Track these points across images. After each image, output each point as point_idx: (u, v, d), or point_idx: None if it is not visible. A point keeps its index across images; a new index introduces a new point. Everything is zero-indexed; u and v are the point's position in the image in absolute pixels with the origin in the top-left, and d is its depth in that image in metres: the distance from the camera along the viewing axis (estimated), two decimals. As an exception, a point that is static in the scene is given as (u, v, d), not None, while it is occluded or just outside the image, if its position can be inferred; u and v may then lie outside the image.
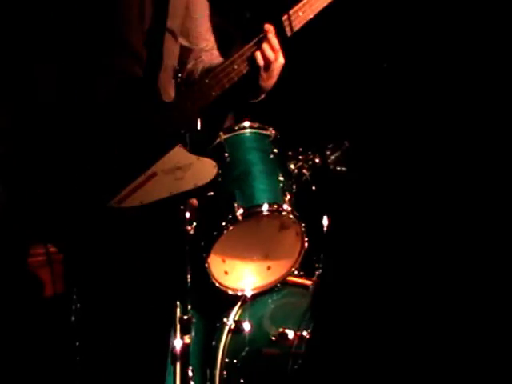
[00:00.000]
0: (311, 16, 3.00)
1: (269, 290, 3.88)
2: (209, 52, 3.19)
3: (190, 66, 3.15)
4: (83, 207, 2.77)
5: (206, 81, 2.93)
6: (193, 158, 2.91)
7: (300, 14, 2.96)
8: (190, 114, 2.93)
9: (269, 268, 3.89)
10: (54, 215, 2.78)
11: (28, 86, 2.81)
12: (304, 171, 3.87)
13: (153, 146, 2.86)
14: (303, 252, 3.76)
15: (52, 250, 3.60)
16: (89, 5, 2.77)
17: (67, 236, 2.81)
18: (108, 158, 2.80)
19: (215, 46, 3.25)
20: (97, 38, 2.80)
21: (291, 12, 2.95)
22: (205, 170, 2.89)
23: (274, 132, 3.82)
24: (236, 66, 2.90)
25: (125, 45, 2.84)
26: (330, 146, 4.19)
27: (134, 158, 2.84)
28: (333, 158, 4.15)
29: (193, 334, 3.14)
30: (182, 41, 3.08)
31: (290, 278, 3.90)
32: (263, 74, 2.90)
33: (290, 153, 4.08)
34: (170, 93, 3.00)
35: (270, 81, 2.97)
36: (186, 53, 3.11)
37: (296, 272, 3.96)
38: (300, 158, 4.02)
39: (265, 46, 2.87)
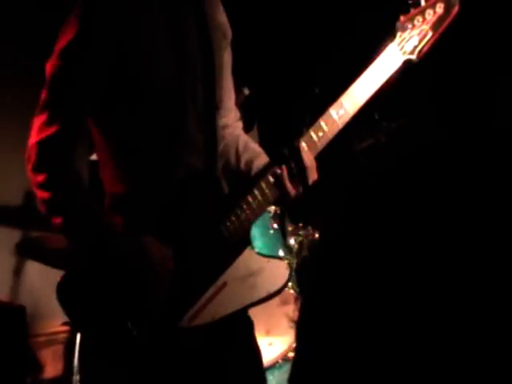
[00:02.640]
0: (331, 137, 2.79)
1: (270, 366, 3.84)
2: (231, 126, 2.95)
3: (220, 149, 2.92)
4: (157, 322, 2.62)
5: (244, 209, 2.76)
6: (263, 260, 2.79)
7: (320, 134, 2.77)
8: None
9: (270, 344, 3.96)
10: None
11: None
12: (304, 246, 3.93)
13: (222, 251, 2.71)
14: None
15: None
16: (153, 100, 2.64)
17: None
18: (178, 273, 2.66)
19: (238, 115, 3.04)
20: (156, 132, 2.69)
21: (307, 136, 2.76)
22: (277, 273, 2.78)
23: (273, 208, 3.76)
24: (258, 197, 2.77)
25: (184, 136, 2.73)
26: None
27: (201, 267, 2.69)
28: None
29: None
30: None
31: (291, 354, 3.88)
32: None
33: (290, 228, 4.08)
34: (223, 182, 2.86)
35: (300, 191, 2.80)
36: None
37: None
38: (300, 233, 4.00)
39: (287, 181, 2.72)
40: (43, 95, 2.56)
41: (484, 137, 4.32)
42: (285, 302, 3.83)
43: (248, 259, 2.75)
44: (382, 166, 3.59)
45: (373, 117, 3.10)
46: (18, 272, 4.26)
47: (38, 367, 4.06)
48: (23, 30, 4.67)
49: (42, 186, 2.55)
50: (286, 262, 2.85)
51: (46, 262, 3.53)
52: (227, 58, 2.88)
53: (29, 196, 3.98)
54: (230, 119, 2.93)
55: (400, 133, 3.36)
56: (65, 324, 3.40)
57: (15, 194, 4.11)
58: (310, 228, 4.09)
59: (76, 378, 3.70)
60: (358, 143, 3.79)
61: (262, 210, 2.77)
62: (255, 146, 2.96)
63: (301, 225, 4.12)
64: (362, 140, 3.82)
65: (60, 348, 3.98)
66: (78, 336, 3.59)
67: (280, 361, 3.90)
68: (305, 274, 3.90)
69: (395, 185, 3.56)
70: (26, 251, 4.04)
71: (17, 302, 4.02)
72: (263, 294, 2.74)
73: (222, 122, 2.83)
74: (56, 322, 3.05)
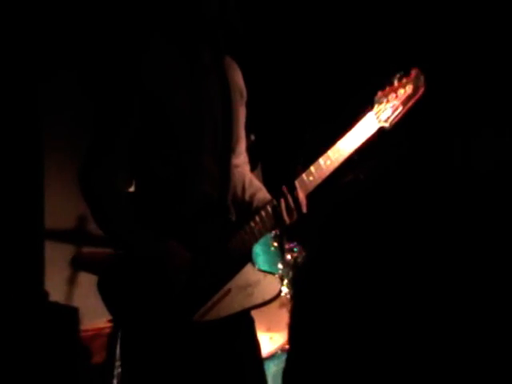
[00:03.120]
0: (320, 181, 2.85)
1: (271, 356, 3.92)
2: (241, 166, 2.98)
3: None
4: (175, 317, 2.69)
5: (247, 232, 2.81)
6: (260, 274, 2.84)
7: (310, 178, 2.83)
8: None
9: (271, 338, 3.97)
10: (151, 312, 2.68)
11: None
12: (298, 261, 3.99)
13: (227, 264, 2.78)
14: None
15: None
16: (179, 139, 2.73)
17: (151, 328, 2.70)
18: (193, 278, 2.73)
19: (246, 158, 3.06)
20: (184, 167, 2.74)
21: (304, 176, 2.82)
22: (271, 285, 2.83)
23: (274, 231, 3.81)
24: (259, 224, 2.81)
25: (204, 171, 2.76)
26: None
27: (211, 276, 2.76)
28: None
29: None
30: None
31: (288, 346, 3.88)
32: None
33: (286, 246, 4.09)
34: (233, 214, 2.89)
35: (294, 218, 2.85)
36: None
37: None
38: (295, 250, 4.08)
39: (284, 212, 2.79)
40: (93, 134, 2.70)
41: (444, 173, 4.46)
42: (283, 305, 3.89)
43: (248, 273, 2.80)
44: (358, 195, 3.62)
45: (353, 157, 3.18)
46: (72, 281, 4.26)
47: (88, 355, 4.10)
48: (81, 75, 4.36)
49: (91, 209, 2.70)
50: (277, 277, 2.92)
51: (93, 271, 3.51)
52: (242, 113, 2.91)
53: (80, 220, 3.99)
54: (241, 161, 2.95)
55: (376, 170, 3.45)
56: (108, 321, 3.46)
57: (69, 219, 4.03)
58: (302, 246, 4.10)
59: (118, 363, 3.67)
60: (340, 179, 3.83)
61: (260, 234, 2.83)
62: (258, 183, 3.00)
63: (295, 243, 4.11)
64: (343, 176, 3.89)
65: (104, 340, 4.01)
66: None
67: (279, 352, 3.94)
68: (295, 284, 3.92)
69: (368, 209, 3.61)
70: (78, 264, 4.13)
71: (71, 305, 3.93)
72: (259, 301, 2.79)
73: (234, 162, 2.86)
74: (101, 319, 3.13)
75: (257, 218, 2.80)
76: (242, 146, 2.95)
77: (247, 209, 2.93)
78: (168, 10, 2.80)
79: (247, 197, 2.94)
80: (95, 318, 3.05)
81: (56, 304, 3.22)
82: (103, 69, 2.84)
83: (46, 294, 3.02)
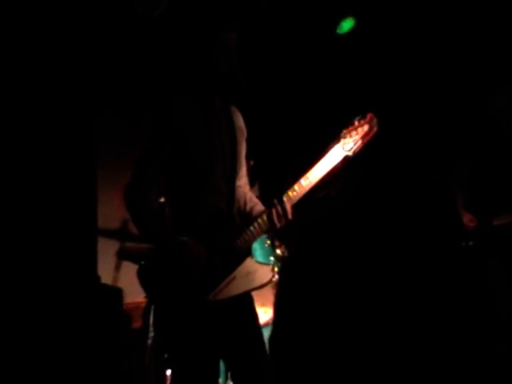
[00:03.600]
0: (301, 196, 2.88)
1: (265, 325, 3.83)
2: (243, 187, 3.01)
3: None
4: (194, 296, 2.75)
5: (248, 234, 2.86)
6: (257, 265, 2.89)
7: (294, 193, 2.86)
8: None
9: (265, 311, 3.91)
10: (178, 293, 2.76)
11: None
12: (285, 255, 3.99)
13: (233, 257, 2.83)
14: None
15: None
16: (197, 166, 2.80)
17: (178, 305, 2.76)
18: (207, 267, 2.77)
19: (247, 180, 3.08)
20: (199, 183, 2.80)
21: (289, 192, 2.85)
22: (266, 273, 2.88)
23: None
24: (257, 229, 2.86)
25: (216, 189, 2.83)
26: None
27: (221, 266, 2.81)
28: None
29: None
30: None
31: None
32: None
33: (277, 243, 4.10)
34: (237, 218, 2.91)
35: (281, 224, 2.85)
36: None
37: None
38: (283, 247, 4.03)
39: (275, 219, 2.83)
40: (134, 164, 2.76)
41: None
42: (274, 287, 3.88)
43: (249, 263, 2.87)
44: (329, 211, 3.47)
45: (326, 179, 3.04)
46: (117, 268, 4.30)
47: (129, 322, 4.12)
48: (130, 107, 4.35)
49: (131, 216, 2.79)
50: (270, 267, 2.95)
51: (133, 261, 3.53)
52: (243, 147, 2.96)
53: (123, 223, 4.03)
54: (243, 182, 3.00)
55: (342, 189, 3.32)
56: (144, 298, 3.44)
57: (115, 222, 4.08)
58: (286, 246, 4.05)
59: (151, 329, 3.69)
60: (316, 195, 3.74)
61: (258, 235, 2.89)
62: (255, 199, 3.03)
63: (283, 242, 4.08)
64: (318, 192, 3.76)
65: (141, 311, 4.00)
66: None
67: (271, 322, 3.85)
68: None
69: (335, 224, 3.46)
70: (121, 255, 4.20)
71: (117, 286, 3.97)
72: (257, 284, 2.86)
73: (237, 184, 2.91)
74: (139, 296, 3.20)
75: (255, 224, 2.85)
76: (243, 170, 2.98)
77: (248, 217, 2.94)
78: (191, 72, 2.86)
79: (248, 209, 2.97)
80: (135, 295, 3.12)
81: (106, 285, 3.29)
82: (148, 115, 2.88)
83: (98, 278, 3.07)
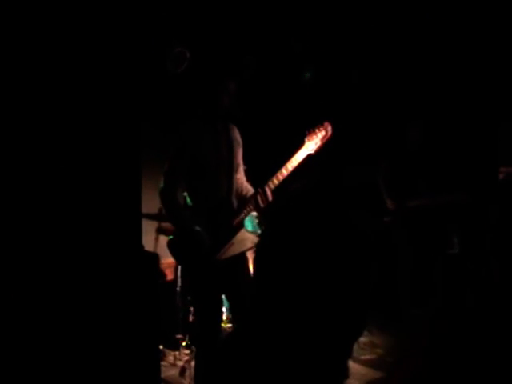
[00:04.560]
0: (278, 184, 2.79)
1: None
2: (239, 179, 2.91)
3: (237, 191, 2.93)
4: (206, 256, 2.75)
5: (241, 213, 2.82)
6: (248, 234, 2.89)
7: (275, 182, 2.79)
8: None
9: None
10: (195, 257, 2.75)
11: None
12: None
13: (232, 229, 2.83)
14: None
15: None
16: (207, 173, 2.78)
17: (196, 265, 2.76)
18: (214, 238, 2.76)
19: (243, 178, 2.97)
20: (208, 181, 2.78)
21: (270, 183, 2.78)
22: (254, 239, 2.85)
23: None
24: (248, 208, 2.82)
25: (219, 184, 2.80)
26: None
27: (225, 236, 2.80)
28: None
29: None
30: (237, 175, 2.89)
31: None
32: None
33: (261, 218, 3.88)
34: (235, 204, 2.87)
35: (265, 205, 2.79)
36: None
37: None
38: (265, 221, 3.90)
39: (259, 201, 2.80)
40: (166, 165, 2.74)
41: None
42: None
43: (242, 233, 2.85)
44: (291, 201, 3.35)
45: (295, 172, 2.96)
46: (156, 240, 4.25)
47: (164, 276, 4.13)
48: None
49: (164, 207, 2.81)
50: (255, 236, 2.92)
51: (166, 235, 3.53)
52: (240, 153, 2.90)
53: (160, 210, 3.79)
54: (240, 175, 2.92)
55: (305, 186, 3.40)
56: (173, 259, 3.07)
57: (154, 208, 3.85)
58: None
59: (179, 280, 3.67)
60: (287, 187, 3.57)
61: (249, 213, 2.87)
62: (249, 187, 2.96)
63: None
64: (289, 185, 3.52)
65: (173, 269, 4.02)
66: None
67: None
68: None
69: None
70: (159, 231, 4.09)
71: (156, 252, 3.85)
72: (248, 246, 2.84)
73: (237, 176, 2.87)
74: (171, 258, 3.20)
75: (247, 207, 2.83)
76: (241, 169, 2.93)
77: (244, 199, 2.88)
78: (204, 106, 2.81)
79: (244, 193, 2.93)
80: (168, 257, 3.15)
81: (148, 251, 3.07)
82: (172, 135, 2.84)
83: (142, 246, 3.09)
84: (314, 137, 2.84)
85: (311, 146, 2.84)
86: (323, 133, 2.85)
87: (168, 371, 3.50)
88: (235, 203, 2.84)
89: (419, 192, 3.97)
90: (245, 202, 2.84)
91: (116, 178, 2.74)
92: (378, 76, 4.48)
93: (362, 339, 3.81)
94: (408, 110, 4.29)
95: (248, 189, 2.94)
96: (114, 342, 2.63)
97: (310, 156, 2.81)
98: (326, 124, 2.86)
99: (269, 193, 2.77)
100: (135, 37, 2.79)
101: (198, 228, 2.68)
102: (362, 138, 4.58)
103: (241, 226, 2.84)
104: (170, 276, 4.13)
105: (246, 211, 2.82)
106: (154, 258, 2.96)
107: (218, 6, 3.95)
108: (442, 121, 4.18)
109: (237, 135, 2.91)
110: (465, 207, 3.94)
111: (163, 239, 3.88)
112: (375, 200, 4.11)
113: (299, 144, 2.86)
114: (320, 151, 2.85)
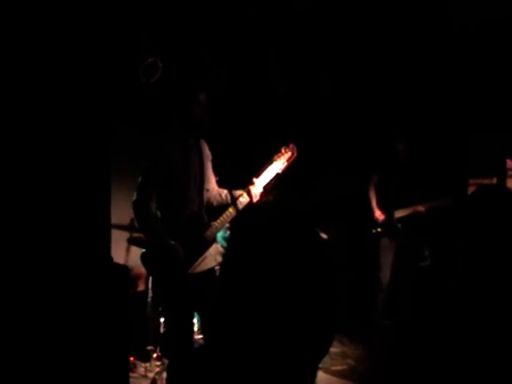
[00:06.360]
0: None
1: None
2: (210, 191, 2.94)
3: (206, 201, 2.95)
4: (180, 270, 2.77)
5: (213, 227, 2.84)
6: (221, 248, 2.93)
7: (244, 198, 2.85)
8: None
9: None
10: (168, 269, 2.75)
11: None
12: None
13: (204, 244, 2.85)
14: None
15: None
16: (178, 183, 2.80)
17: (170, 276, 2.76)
18: (187, 252, 2.78)
19: (216, 186, 2.99)
20: (179, 195, 2.80)
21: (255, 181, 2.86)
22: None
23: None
24: (219, 220, 2.85)
25: (190, 198, 2.82)
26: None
27: (197, 250, 2.82)
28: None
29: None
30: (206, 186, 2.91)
31: None
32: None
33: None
34: (205, 216, 2.88)
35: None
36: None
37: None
38: None
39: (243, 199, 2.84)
40: (139, 178, 2.76)
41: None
42: None
43: (215, 248, 2.88)
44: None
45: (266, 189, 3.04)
46: (128, 251, 4.20)
47: (135, 286, 4.11)
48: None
49: (136, 219, 2.81)
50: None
51: (138, 246, 3.53)
52: (210, 167, 2.94)
53: (132, 220, 3.66)
54: (211, 187, 2.93)
55: (278, 197, 3.21)
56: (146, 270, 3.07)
57: (126, 219, 3.81)
58: None
59: (150, 290, 3.63)
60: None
61: (219, 228, 2.87)
62: (223, 190, 2.97)
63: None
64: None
65: (144, 279, 4.04)
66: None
67: None
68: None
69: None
70: (130, 242, 4.02)
71: (126, 264, 3.81)
72: (218, 262, 2.84)
73: (207, 187, 2.89)
74: (141, 269, 3.15)
75: (218, 220, 2.85)
76: (212, 181, 2.97)
77: (223, 202, 2.93)
78: (176, 119, 2.83)
79: (223, 196, 2.95)
80: (139, 267, 3.05)
81: (117, 263, 3.03)
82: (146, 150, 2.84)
83: (111, 259, 3.09)
84: (282, 157, 2.91)
85: (278, 166, 2.91)
86: (289, 154, 2.91)
87: (139, 383, 3.46)
88: (206, 217, 2.87)
89: (412, 203, 4.06)
90: (218, 214, 2.88)
91: (84, 186, 2.70)
92: (357, 88, 4.61)
93: (333, 349, 3.83)
94: (393, 123, 4.39)
95: (223, 190, 2.97)
96: (82, 354, 2.59)
97: (278, 175, 2.92)
98: (292, 146, 2.92)
99: (240, 207, 2.86)
100: (107, 47, 2.79)
101: (172, 242, 2.69)
102: (341, 149, 4.63)
103: (213, 240, 2.87)
104: (141, 286, 4.09)
105: (216, 225, 2.85)
106: (124, 270, 2.96)
107: (191, 17, 3.98)
108: (421, 135, 4.28)
109: (207, 150, 2.95)
110: (441, 217, 4.04)
111: (135, 249, 3.85)
112: (364, 211, 4.23)
113: (267, 162, 2.94)
114: (287, 170, 2.94)
